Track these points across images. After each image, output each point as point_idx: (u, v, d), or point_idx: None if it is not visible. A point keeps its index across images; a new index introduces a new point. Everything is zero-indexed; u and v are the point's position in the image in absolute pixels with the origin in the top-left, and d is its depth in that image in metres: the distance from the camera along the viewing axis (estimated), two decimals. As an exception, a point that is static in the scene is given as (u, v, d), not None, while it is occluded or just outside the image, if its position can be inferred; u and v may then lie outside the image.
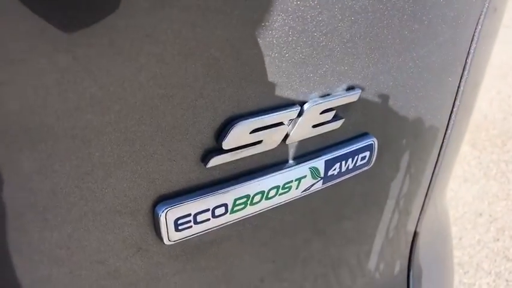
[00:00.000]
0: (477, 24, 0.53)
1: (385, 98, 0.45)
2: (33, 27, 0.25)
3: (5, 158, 0.28)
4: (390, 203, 0.60)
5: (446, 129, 0.60)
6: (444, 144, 0.63)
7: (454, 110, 0.59)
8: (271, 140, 0.37)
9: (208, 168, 0.36)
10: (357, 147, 0.44)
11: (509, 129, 3.12)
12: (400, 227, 0.68)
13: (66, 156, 0.30)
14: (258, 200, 0.39)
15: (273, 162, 0.40)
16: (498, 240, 2.31)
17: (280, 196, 0.41)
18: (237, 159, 0.37)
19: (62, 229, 0.32)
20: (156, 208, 0.35)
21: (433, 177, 0.64)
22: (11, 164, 0.28)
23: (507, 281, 2.08)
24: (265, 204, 0.40)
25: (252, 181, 0.38)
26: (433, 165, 0.62)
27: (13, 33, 0.25)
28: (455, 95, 0.58)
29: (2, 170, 0.28)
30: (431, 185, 0.65)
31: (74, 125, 0.29)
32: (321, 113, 0.39)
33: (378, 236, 0.64)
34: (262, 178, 0.39)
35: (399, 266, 0.75)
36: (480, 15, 0.52)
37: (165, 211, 0.34)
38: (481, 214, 2.48)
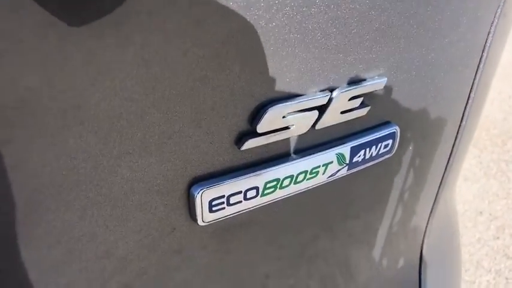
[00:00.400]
0: (494, 17, 0.54)
1: (407, 87, 0.46)
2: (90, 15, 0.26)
3: (52, 135, 0.29)
4: (404, 196, 0.61)
5: (461, 122, 0.61)
6: (458, 136, 0.64)
7: (469, 102, 0.60)
8: (302, 124, 0.38)
9: (241, 151, 0.37)
10: (381, 135, 0.45)
11: (510, 129, 3.13)
12: (412, 221, 0.69)
13: (110, 135, 0.30)
14: (287, 184, 0.40)
15: (302, 148, 0.41)
16: (498, 238, 2.33)
17: (308, 181, 0.41)
18: (268, 143, 0.38)
19: (102, 208, 0.33)
20: (192, 189, 0.36)
21: (447, 170, 0.65)
22: (56, 141, 0.29)
23: (507, 278, 2.10)
24: (293, 189, 0.41)
25: (283, 165, 0.39)
26: (447, 157, 0.63)
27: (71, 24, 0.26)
28: (470, 87, 0.59)
29: (48, 148, 0.29)
30: (444, 179, 0.66)
31: (120, 104, 0.30)
32: (349, 100, 0.40)
33: (390, 230, 0.65)
34: (292, 162, 0.40)
35: (411, 260, 0.76)
36: (497, 8, 0.53)
37: (201, 192, 0.35)
38: (481, 212, 2.49)
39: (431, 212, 0.70)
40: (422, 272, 0.77)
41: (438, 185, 0.67)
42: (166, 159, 0.33)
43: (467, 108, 0.61)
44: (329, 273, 0.58)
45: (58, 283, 0.34)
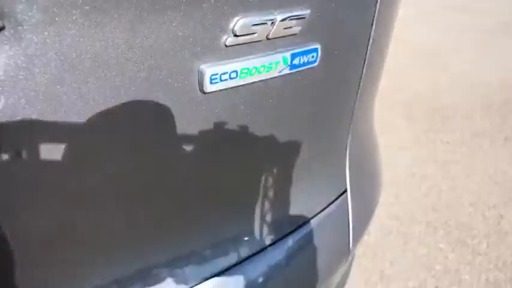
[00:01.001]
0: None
1: (326, 20, 0.74)
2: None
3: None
4: (329, 104, 0.88)
5: (368, 41, 0.88)
6: (368, 52, 0.90)
7: (373, 26, 0.87)
8: (261, 32, 0.65)
9: (227, 47, 0.63)
10: (308, 48, 0.73)
11: (438, 105, 3.55)
12: (338, 126, 0.96)
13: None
14: (254, 72, 0.67)
15: (262, 50, 0.68)
16: (427, 195, 2.70)
17: (267, 73, 0.69)
18: (243, 44, 0.64)
19: (143, 87, 0.58)
20: (201, 67, 0.62)
21: (360, 86, 0.93)
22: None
23: (434, 227, 2.46)
24: (258, 77, 0.68)
25: (250, 59, 0.66)
26: (360, 72, 0.91)
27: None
28: (373, 14, 0.85)
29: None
30: (360, 89, 0.93)
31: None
32: (288, 20, 0.67)
33: (320, 134, 0.91)
34: (256, 57, 0.67)
35: (337, 161, 1.03)
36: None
37: (206, 69, 0.62)
38: (413, 175, 2.86)
39: (351, 120, 0.97)
40: (347, 171, 1.04)
41: (355, 96, 0.94)
42: (183, 50, 0.59)
43: (372, 33, 0.87)
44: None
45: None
